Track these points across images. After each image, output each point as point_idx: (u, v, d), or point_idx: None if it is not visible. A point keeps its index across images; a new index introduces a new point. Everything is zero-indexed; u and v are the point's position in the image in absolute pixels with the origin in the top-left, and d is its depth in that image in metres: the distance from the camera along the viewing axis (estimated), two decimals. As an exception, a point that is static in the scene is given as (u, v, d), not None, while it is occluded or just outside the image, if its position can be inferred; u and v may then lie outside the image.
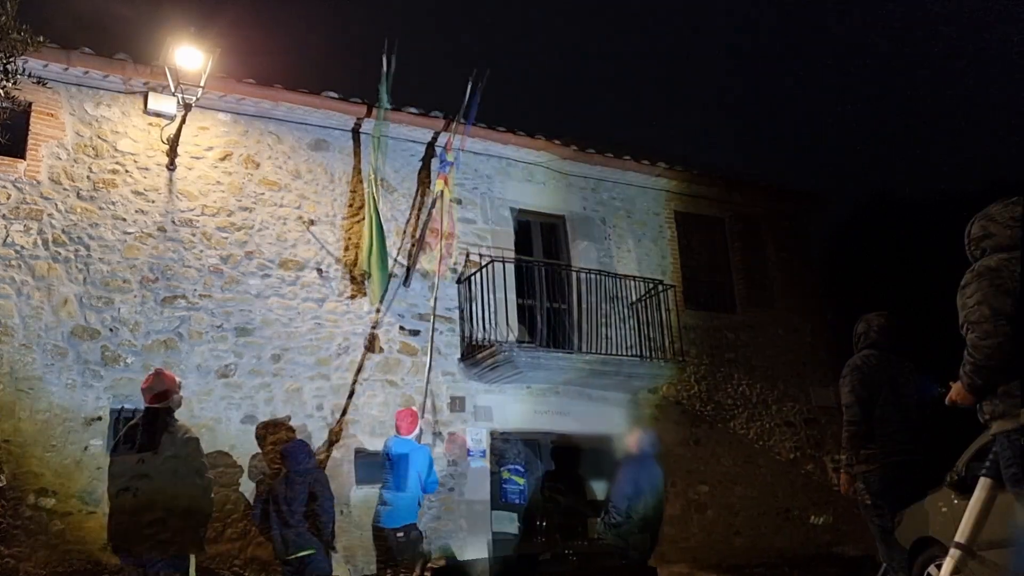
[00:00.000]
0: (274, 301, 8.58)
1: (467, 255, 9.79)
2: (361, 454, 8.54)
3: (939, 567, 4.36)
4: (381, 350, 8.99)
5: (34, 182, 7.81)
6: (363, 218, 8.98)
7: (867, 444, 5.12)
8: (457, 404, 9.29)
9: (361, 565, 8.04)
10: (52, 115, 8.03)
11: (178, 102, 8.14)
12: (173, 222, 8.32)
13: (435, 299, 8.88)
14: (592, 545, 8.83)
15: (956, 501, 5.29)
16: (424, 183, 9.77)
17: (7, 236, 7.56)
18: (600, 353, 9.70)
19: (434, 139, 9.92)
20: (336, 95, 9.34)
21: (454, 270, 9.66)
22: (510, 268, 9.74)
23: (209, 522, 5.53)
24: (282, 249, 8.77)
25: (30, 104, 7.68)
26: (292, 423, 8.29)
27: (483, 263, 9.49)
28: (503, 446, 9.67)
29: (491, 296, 9.32)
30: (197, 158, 8.61)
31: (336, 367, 8.72)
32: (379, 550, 7.17)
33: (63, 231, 7.80)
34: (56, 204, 7.84)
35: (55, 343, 7.52)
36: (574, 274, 10.34)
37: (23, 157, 7.81)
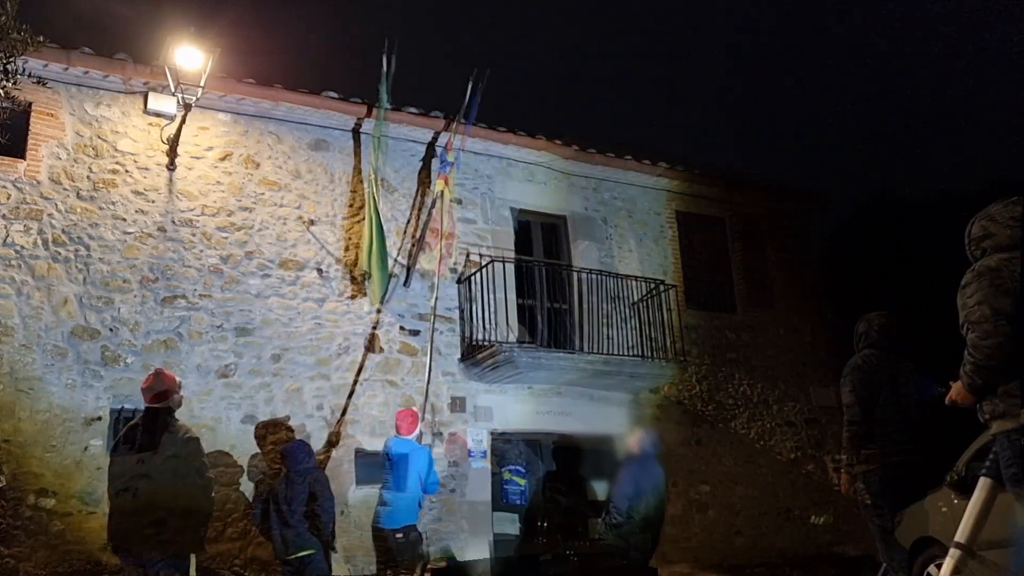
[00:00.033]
0: (274, 301, 8.58)
1: (467, 255, 9.79)
2: (361, 454, 8.54)
3: (939, 567, 4.36)
4: (381, 350, 8.99)
5: (34, 182, 7.81)
6: (363, 218, 8.98)
7: (867, 444, 5.12)
8: (458, 404, 9.29)
9: (361, 565, 8.04)
10: (52, 115, 8.03)
11: (178, 102, 8.14)
12: (173, 222, 8.32)
13: (435, 299, 8.87)
14: (593, 545, 8.83)
15: (956, 501, 5.29)
16: (424, 183, 9.77)
17: (7, 236, 7.56)
18: (602, 353, 9.70)
19: (434, 139, 9.92)
20: (336, 95, 9.34)
21: (454, 270, 9.66)
22: (510, 268, 9.73)
23: (210, 521, 5.53)
24: (282, 249, 8.77)
25: (30, 104, 7.69)
26: (292, 423, 8.29)
27: (483, 263, 9.49)
28: (504, 446, 9.68)
29: (491, 296, 9.32)
30: (197, 158, 8.61)
31: (336, 367, 8.71)
32: (378, 551, 7.16)
33: (63, 231, 7.80)
34: (56, 204, 7.84)
35: (55, 343, 7.52)
36: (575, 274, 10.35)
37: (23, 157, 7.81)
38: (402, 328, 9.16)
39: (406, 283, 9.26)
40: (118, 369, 7.69)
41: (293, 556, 6.86)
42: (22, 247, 7.60)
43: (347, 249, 9.10)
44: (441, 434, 9.05)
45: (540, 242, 10.73)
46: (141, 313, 7.93)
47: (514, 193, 10.48)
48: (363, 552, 8.07)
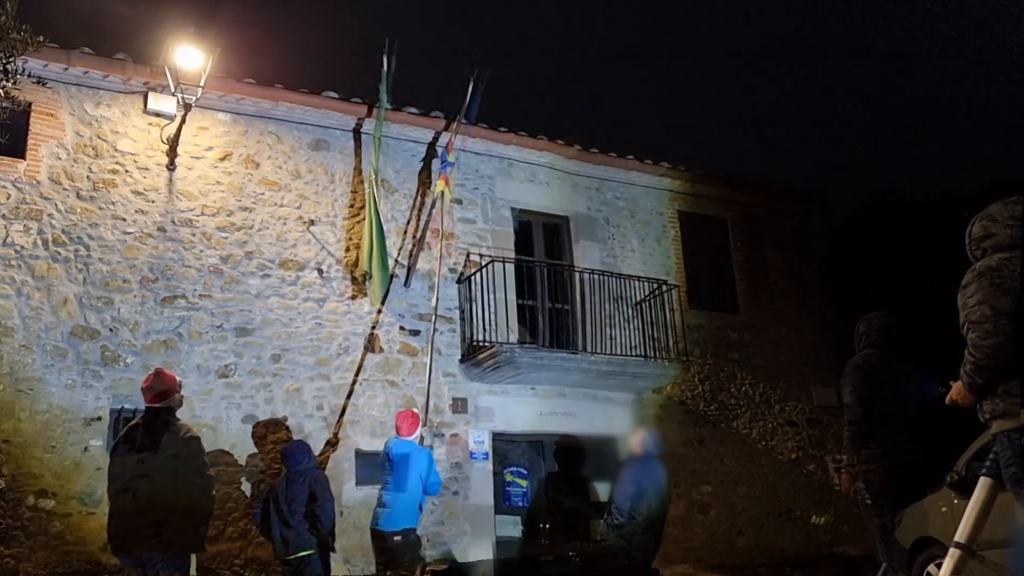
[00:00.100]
0: (274, 301, 8.57)
1: (467, 255, 9.79)
2: (361, 454, 8.53)
3: (939, 567, 4.34)
4: (381, 350, 8.98)
5: (34, 182, 7.81)
6: (363, 218, 8.97)
7: (867, 444, 5.11)
8: (459, 405, 9.28)
9: (361, 566, 8.03)
10: (52, 115, 8.03)
11: (178, 102, 8.15)
12: (173, 222, 8.32)
13: (436, 299, 8.86)
14: (595, 546, 8.80)
15: (956, 501, 5.28)
16: (425, 183, 9.77)
17: (7, 236, 7.56)
18: (604, 353, 9.69)
19: (435, 139, 9.91)
20: (336, 95, 9.34)
21: (453, 270, 9.65)
22: (510, 268, 9.73)
23: (210, 521, 5.52)
24: (282, 249, 8.77)
25: (30, 104, 7.70)
26: (292, 423, 8.29)
27: (483, 263, 9.48)
28: (506, 447, 9.67)
29: (491, 296, 9.31)
30: (197, 158, 8.61)
31: (336, 367, 8.71)
32: (377, 552, 7.13)
33: (63, 231, 7.80)
34: (56, 204, 7.84)
35: (55, 343, 7.52)
36: (577, 274, 10.34)
37: (23, 157, 7.82)
38: (402, 328, 9.15)
39: (406, 283, 9.26)
40: (118, 369, 7.69)
41: (293, 556, 6.84)
42: (22, 247, 7.60)
43: (347, 249, 9.09)
44: (442, 435, 9.04)
45: (542, 242, 10.72)
46: (141, 313, 7.93)
47: (515, 193, 10.47)
48: (363, 553, 8.05)
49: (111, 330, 7.77)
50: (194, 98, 8.04)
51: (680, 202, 11.83)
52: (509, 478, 9.66)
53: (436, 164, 9.55)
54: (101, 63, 8.14)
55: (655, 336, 10.09)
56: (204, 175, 8.60)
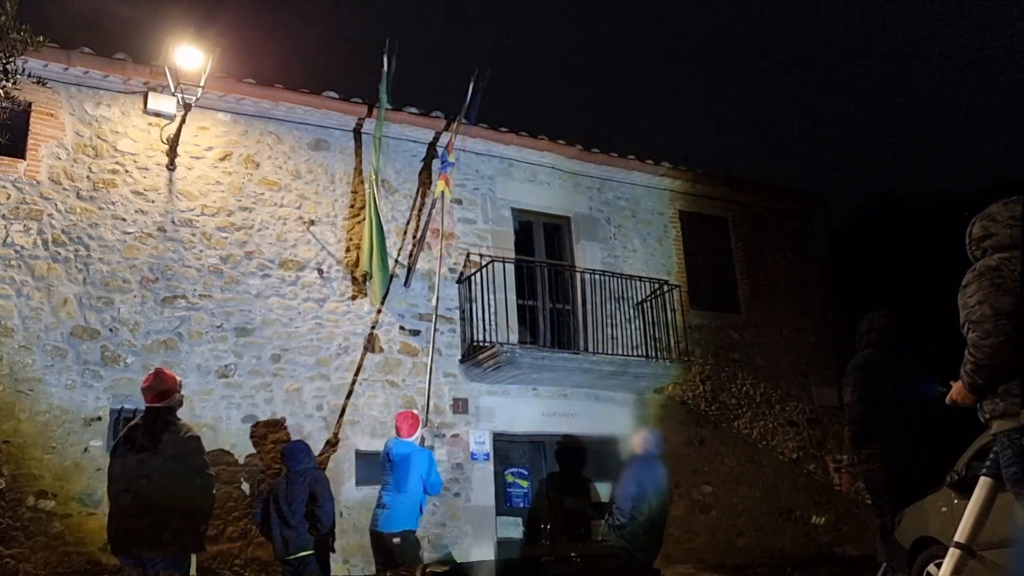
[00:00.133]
0: (274, 301, 8.57)
1: (467, 255, 9.78)
2: (361, 455, 8.52)
3: (939, 567, 4.34)
4: (381, 350, 8.98)
5: (34, 182, 7.81)
6: (364, 219, 8.96)
7: (868, 444, 5.11)
8: (460, 406, 9.27)
9: (360, 566, 8.03)
10: (52, 115, 8.03)
11: (178, 102, 8.14)
12: (173, 222, 8.31)
13: (436, 299, 8.84)
14: (597, 547, 8.79)
15: (956, 501, 5.28)
16: (425, 183, 9.76)
17: (7, 236, 7.56)
18: (605, 353, 9.68)
19: (435, 139, 9.91)
20: (336, 95, 9.33)
21: (454, 270, 9.65)
22: (510, 268, 9.72)
23: (210, 521, 5.52)
24: (282, 249, 8.76)
25: (30, 104, 7.70)
26: (292, 423, 8.29)
27: (483, 263, 9.48)
28: (507, 448, 9.66)
29: (491, 296, 9.30)
30: (197, 158, 8.60)
31: (336, 367, 8.71)
32: (376, 553, 7.11)
33: (63, 231, 7.80)
34: (56, 204, 7.84)
35: (55, 343, 7.52)
36: (578, 275, 10.33)
37: (23, 157, 7.81)
38: (402, 328, 9.15)
39: (406, 283, 9.25)
40: (118, 369, 7.69)
41: (293, 556, 6.84)
42: (22, 247, 7.59)
43: (347, 250, 9.09)
44: (443, 435, 9.04)
45: (542, 243, 10.71)
46: (141, 313, 7.93)
47: (515, 193, 10.46)
48: (362, 553, 8.05)
49: (111, 330, 7.77)
50: (194, 98, 8.03)
51: (681, 202, 11.82)
52: (510, 479, 9.65)
53: (436, 164, 9.54)
54: (101, 63, 8.14)
55: (656, 336, 10.08)
56: (204, 175, 8.60)
